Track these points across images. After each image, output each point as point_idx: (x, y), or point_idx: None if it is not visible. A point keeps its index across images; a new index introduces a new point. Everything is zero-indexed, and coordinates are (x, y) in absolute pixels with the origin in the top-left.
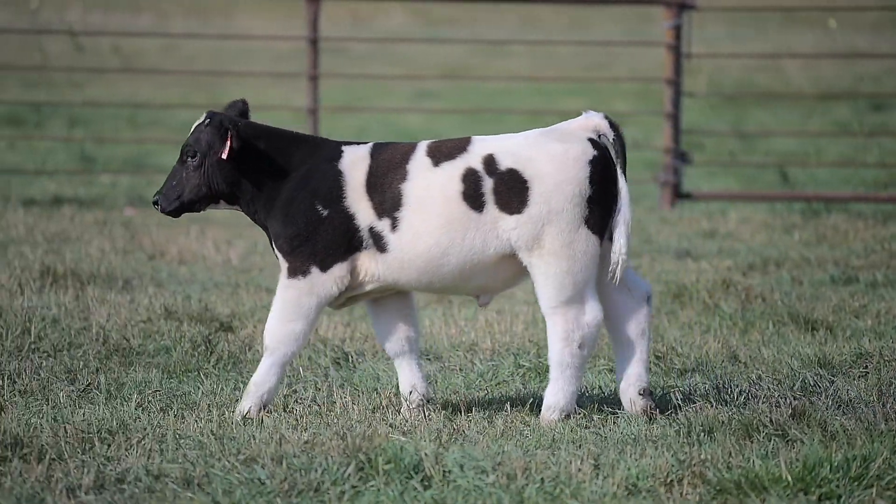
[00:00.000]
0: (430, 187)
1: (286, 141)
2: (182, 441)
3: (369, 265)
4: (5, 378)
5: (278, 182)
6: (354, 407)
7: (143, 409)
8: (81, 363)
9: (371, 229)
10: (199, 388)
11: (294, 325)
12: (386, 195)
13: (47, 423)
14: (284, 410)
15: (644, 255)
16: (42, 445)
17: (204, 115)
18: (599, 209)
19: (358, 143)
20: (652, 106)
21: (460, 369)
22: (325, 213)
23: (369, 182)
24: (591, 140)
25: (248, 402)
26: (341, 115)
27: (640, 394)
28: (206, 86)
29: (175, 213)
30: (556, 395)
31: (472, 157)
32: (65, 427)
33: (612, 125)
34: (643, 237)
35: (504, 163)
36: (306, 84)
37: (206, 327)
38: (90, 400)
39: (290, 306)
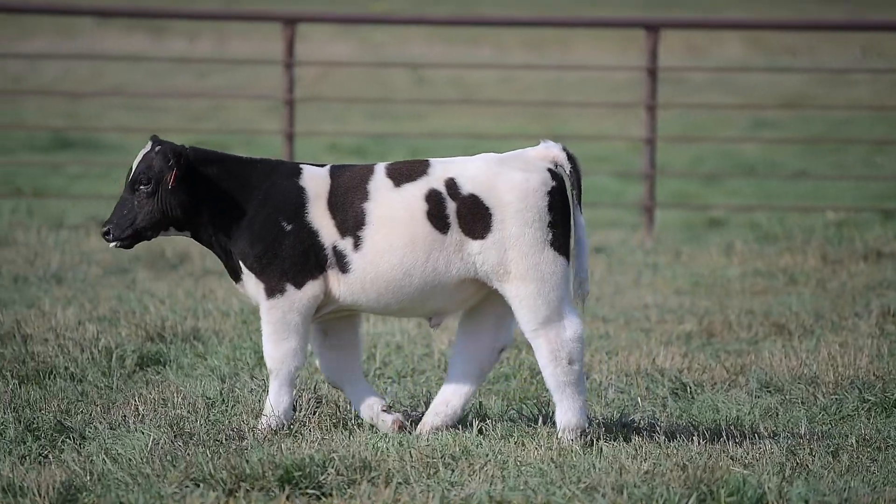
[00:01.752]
0: (393, 207)
1: (240, 164)
2: (523, 468)
3: (333, 285)
4: (350, 403)
5: (237, 205)
6: (694, 438)
7: (484, 436)
8: (424, 389)
9: (334, 248)
10: (538, 415)
11: (287, 343)
12: (348, 214)
13: (393, 447)
14: (624, 440)
15: None
16: (389, 469)
17: (149, 142)
18: (561, 232)
19: (315, 164)
20: None
21: (802, 402)
22: (290, 227)
23: (331, 200)
24: (549, 170)
25: (268, 422)
26: (678, 145)
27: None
28: (543, 117)
29: (127, 242)
30: (565, 415)
31: (434, 179)
32: (410, 452)
33: (570, 157)
34: None
35: (465, 187)
36: (643, 114)
37: None
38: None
39: (278, 326)
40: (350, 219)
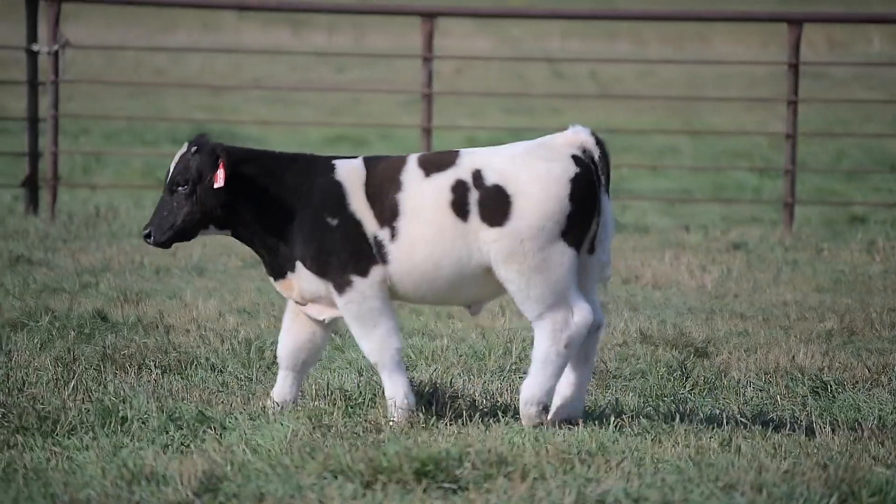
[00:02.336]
0: (423, 197)
1: (276, 161)
2: (660, 465)
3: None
4: (488, 397)
5: (279, 204)
6: (834, 437)
7: (620, 432)
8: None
9: (375, 238)
10: (675, 413)
11: (378, 329)
12: (384, 204)
13: (529, 442)
14: (762, 438)
15: None
16: (525, 464)
17: (186, 144)
18: (578, 224)
19: (348, 157)
20: None
21: None
22: (335, 222)
23: (368, 191)
24: (574, 157)
25: (400, 415)
26: (819, 141)
27: (563, 422)
28: (681, 111)
29: (167, 243)
30: (532, 388)
31: (462, 170)
32: (546, 447)
33: (599, 142)
34: None
35: (490, 178)
36: (784, 109)
37: (681, 352)
38: (570, 421)
39: (362, 318)
40: (386, 210)
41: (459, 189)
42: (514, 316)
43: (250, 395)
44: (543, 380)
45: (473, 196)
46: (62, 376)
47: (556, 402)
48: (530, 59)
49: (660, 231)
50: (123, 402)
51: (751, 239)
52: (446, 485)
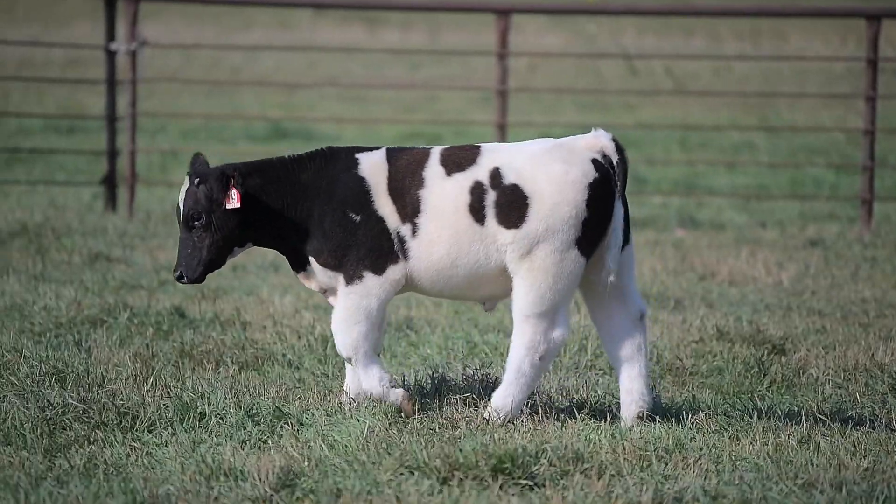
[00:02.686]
0: (443, 196)
1: (285, 168)
2: (738, 463)
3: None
4: (563, 394)
5: (293, 206)
6: None
7: (698, 430)
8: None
9: (397, 233)
10: (753, 410)
11: (358, 326)
12: (406, 200)
13: (606, 439)
14: (841, 436)
15: None
16: (602, 461)
17: (187, 178)
18: (593, 232)
19: (369, 148)
20: None
21: None
22: (359, 218)
23: (391, 185)
24: (594, 161)
25: (374, 398)
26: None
27: (638, 416)
28: (757, 107)
29: (200, 278)
30: (505, 399)
31: (481, 170)
32: (623, 444)
33: (618, 147)
34: None
35: (508, 178)
36: (862, 105)
37: (758, 349)
38: (646, 418)
39: (351, 311)
40: (408, 205)
41: (476, 191)
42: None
43: (327, 391)
44: (515, 391)
45: (490, 197)
46: (141, 372)
47: (626, 399)
48: (605, 56)
49: (736, 228)
50: (202, 399)
51: (828, 235)
52: (523, 481)
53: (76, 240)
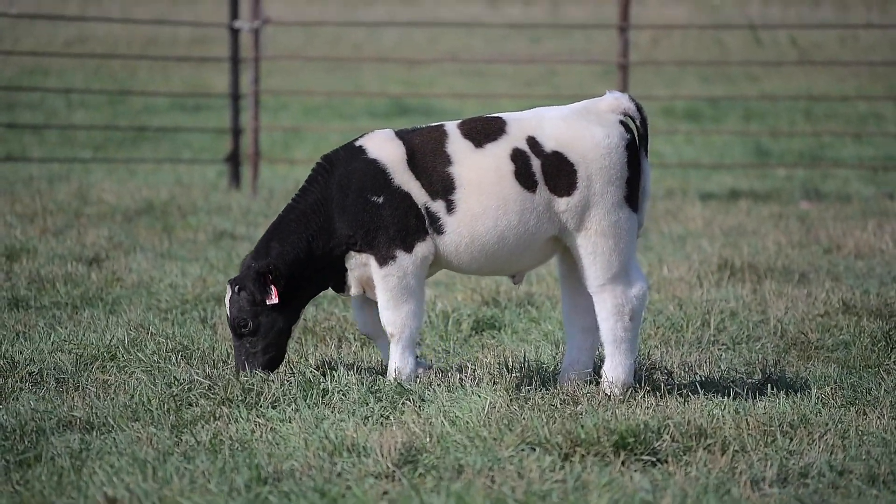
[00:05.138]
0: (481, 169)
1: (292, 212)
2: (865, 437)
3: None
4: (687, 370)
5: (317, 230)
6: None
7: (823, 404)
8: (759, 356)
9: (427, 209)
10: (880, 384)
11: (406, 305)
12: (434, 177)
13: (729, 414)
14: None
15: None
16: (725, 437)
17: (228, 287)
18: (635, 186)
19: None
20: None
21: None
22: (381, 199)
23: (411, 163)
24: (621, 122)
25: (403, 381)
26: None
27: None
28: (885, 76)
29: (271, 368)
30: (615, 370)
31: (515, 138)
32: (746, 419)
33: (638, 107)
34: None
35: (548, 145)
36: None
37: (886, 323)
38: (769, 393)
39: (394, 292)
40: (437, 182)
41: (520, 158)
42: (713, 287)
43: (448, 368)
44: (622, 359)
45: (536, 164)
46: None
47: (566, 360)
48: (729, 27)
49: (863, 199)
50: (325, 375)
51: None
52: (645, 457)
53: (201, 217)
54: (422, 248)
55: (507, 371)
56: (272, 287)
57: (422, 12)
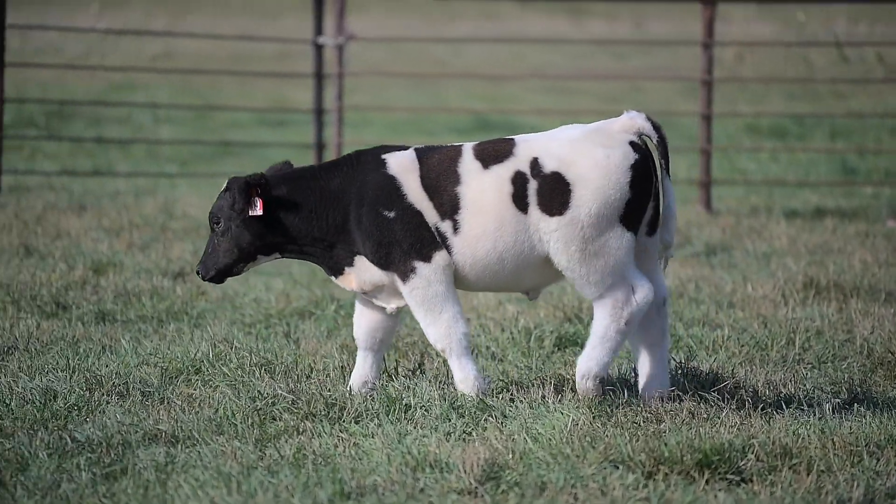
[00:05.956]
0: (484, 190)
1: (314, 177)
2: None
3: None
4: (771, 388)
5: (325, 213)
6: None
7: None
8: (846, 375)
9: (437, 228)
10: None
11: (444, 314)
12: (444, 197)
13: (815, 434)
14: None
15: None
16: (811, 457)
17: (226, 182)
18: (636, 209)
19: (397, 147)
20: None
21: None
22: (393, 214)
23: (424, 182)
24: (632, 143)
25: (471, 397)
26: None
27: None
28: None
29: (215, 279)
30: (589, 362)
31: (519, 160)
32: (832, 439)
33: (655, 126)
34: None
35: (548, 166)
36: None
37: None
38: (855, 412)
39: (427, 304)
40: (446, 202)
41: (518, 180)
42: (798, 306)
43: (530, 384)
44: (601, 354)
45: (532, 185)
46: (348, 364)
47: (642, 379)
48: (815, 44)
49: None
50: (407, 390)
51: None
52: (729, 476)
53: None
54: (440, 257)
55: None
56: (258, 200)
57: (505, 28)
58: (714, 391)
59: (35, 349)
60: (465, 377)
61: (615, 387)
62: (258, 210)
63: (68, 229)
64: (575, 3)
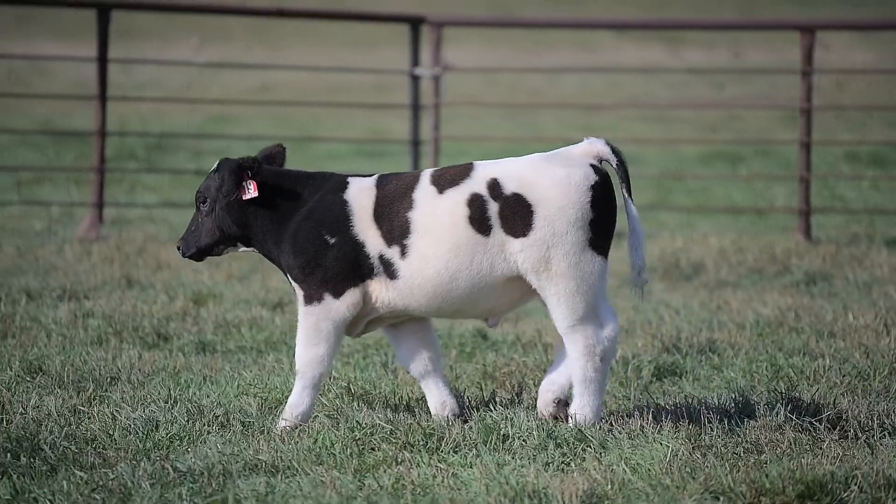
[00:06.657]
0: (437, 214)
1: (293, 180)
2: None
3: (380, 291)
4: (874, 419)
5: (287, 218)
6: None
7: None
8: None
9: (381, 256)
10: None
11: (317, 349)
12: (394, 223)
13: None
14: None
15: None
16: None
17: (216, 162)
18: (602, 231)
19: (364, 176)
20: None
21: None
22: (333, 241)
23: (377, 211)
24: (592, 166)
25: (284, 422)
26: None
27: (554, 402)
28: None
29: (195, 257)
30: (583, 409)
31: (477, 183)
32: None
33: (615, 151)
34: None
35: (509, 187)
36: None
37: None
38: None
39: (311, 332)
40: (395, 228)
41: (476, 203)
42: None
43: (628, 414)
44: (590, 399)
45: (493, 208)
46: None
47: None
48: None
49: None
50: (504, 420)
51: None
52: None
53: None
54: (350, 295)
55: (689, 419)
56: (251, 182)
57: (601, 58)
58: (816, 421)
59: (137, 380)
60: (297, 403)
61: (712, 416)
62: (253, 192)
63: (169, 261)
64: (671, 32)
